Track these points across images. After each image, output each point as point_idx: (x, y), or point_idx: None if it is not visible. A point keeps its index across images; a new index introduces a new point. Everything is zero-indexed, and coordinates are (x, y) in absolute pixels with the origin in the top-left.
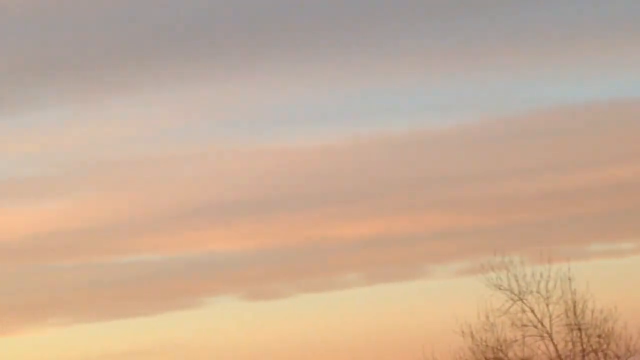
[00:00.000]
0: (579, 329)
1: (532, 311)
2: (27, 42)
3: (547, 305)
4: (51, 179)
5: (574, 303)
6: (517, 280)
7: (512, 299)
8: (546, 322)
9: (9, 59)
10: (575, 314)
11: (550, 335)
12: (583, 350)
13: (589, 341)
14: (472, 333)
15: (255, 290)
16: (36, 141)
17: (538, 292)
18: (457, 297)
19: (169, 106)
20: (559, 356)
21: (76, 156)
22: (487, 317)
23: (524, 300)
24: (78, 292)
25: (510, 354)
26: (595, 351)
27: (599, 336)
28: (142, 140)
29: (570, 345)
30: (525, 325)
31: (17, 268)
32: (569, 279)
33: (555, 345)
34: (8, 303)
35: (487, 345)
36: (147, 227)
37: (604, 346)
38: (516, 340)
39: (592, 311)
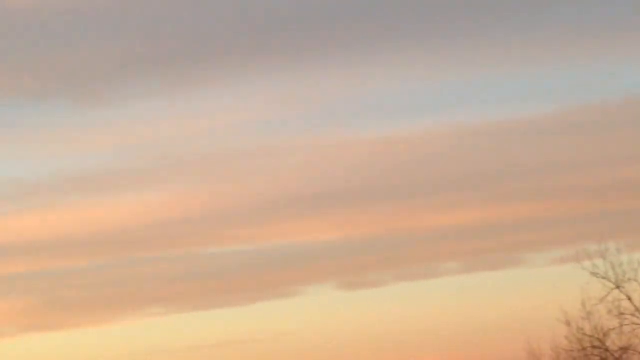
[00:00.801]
0: None
1: (630, 299)
2: (122, 38)
3: None
4: (147, 172)
5: None
6: (614, 268)
7: (609, 287)
8: None
9: (103, 55)
10: None
11: None
12: None
13: None
14: (570, 322)
15: (350, 279)
16: (132, 134)
17: (636, 280)
18: (554, 286)
19: (262, 98)
20: None
21: (171, 149)
22: (585, 305)
23: (622, 289)
24: (174, 283)
25: (609, 343)
26: None
27: None
28: (235, 132)
29: None
30: (623, 314)
31: (114, 260)
32: None
33: None
34: (106, 293)
35: (585, 334)
36: (242, 218)
37: None
38: (614, 329)
39: None
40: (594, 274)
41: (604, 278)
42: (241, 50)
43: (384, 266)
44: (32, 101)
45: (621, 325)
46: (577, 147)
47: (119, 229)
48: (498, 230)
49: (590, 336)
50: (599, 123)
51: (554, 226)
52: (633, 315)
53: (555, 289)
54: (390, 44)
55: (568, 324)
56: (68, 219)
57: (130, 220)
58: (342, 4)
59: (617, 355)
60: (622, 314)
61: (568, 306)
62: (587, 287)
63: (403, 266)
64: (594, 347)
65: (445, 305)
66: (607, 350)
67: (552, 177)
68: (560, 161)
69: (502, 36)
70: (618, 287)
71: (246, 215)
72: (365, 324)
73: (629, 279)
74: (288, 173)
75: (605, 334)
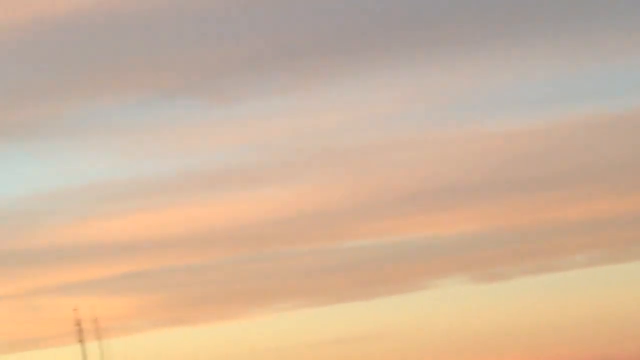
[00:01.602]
0: None
1: None
2: (248, 35)
3: None
4: (276, 167)
5: None
6: None
7: None
8: None
9: (230, 52)
10: None
11: None
12: None
13: None
14: None
15: (480, 272)
16: (262, 130)
17: None
18: None
19: (394, 91)
20: None
21: (299, 143)
22: None
23: None
24: (304, 277)
25: None
26: None
27: None
28: (368, 126)
29: None
30: None
31: (246, 255)
32: None
33: None
34: (237, 288)
35: None
36: (372, 211)
37: None
38: None
39: None
40: None
41: None
42: (372, 43)
43: (514, 259)
44: (159, 99)
45: None
46: None
47: (251, 225)
48: (628, 222)
49: None
50: None
51: None
52: None
53: None
54: (516, 37)
55: None
56: (199, 215)
57: (262, 216)
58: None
59: None
60: None
61: None
62: None
63: (533, 259)
64: None
65: (577, 297)
66: None
67: None
68: None
69: (631, 26)
70: None
71: (377, 209)
72: (493, 316)
73: None
74: (421, 166)
75: None
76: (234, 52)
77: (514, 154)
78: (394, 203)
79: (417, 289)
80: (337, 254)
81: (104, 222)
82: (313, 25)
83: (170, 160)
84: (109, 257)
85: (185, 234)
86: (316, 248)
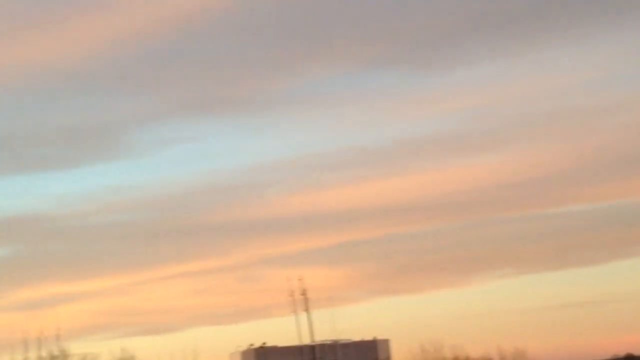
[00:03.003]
0: None
1: None
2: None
3: None
4: (490, 133)
5: None
6: None
7: None
8: None
9: (442, 18)
10: None
11: None
12: None
13: None
14: None
15: None
16: (478, 96)
17: None
18: None
19: (598, 56)
20: None
21: (512, 109)
22: None
23: None
24: (521, 244)
25: None
26: None
27: None
28: (573, 91)
29: None
30: None
31: (463, 222)
32: None
33: None
34: (455, 256)
35: None
36: (586, 176)
37: None
38: None
39: None
40: None
41: None
42: (581, 8)
43: None
44: (369, 70)
45: None
46: None
47: (468, 192)
48: None
49: None
50: None
51: None
52: None
53: None
54: None
55: None
56: (412, 184)
57: (478, 183)
58: None
59: None
60: None
61: None
62: None
63: None
64: None
65: None
66: None
67: None
68: None
69: None
70: None
71: (591, 174)
72: None
73: None
74: (631, 131)
75: None
76: (441, 21)
77: None
78: (607, 168)
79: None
80: (553, 220)
81: (320, 193)
82: None
83: (383, 130)
84: (325, 227)
85: (399, 203)
86: (532, 214)
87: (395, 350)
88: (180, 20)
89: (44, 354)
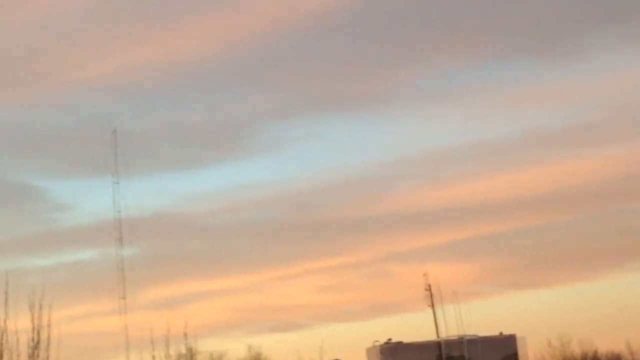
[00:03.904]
0: None
1: None
2: None
3: None
4: (619, 124)
5: None
6: None
7: None
8: None
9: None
10: None
11: None
12: None
13: None
14: None
15: None
16: (602, 87)
17: None
18: None
19: None
20: None
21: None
22: None
23: None
24: None
25: None
26: None
27: None
28: None
29: None
30: None
31: (593, 213)
32: None
33: None
34: (585, 249)
35: None
36: None
37: None
38: None
39: None
40: None
41: None
42: None
43: None
44: (499, 61)
45: None
46: None
47: (598, 183)
48: None
49: None
50: None
51: None
52: None
53: None
54: None
55: None
56: (543, 176)
57: (609, 174)
58: None
59: None
60: None
61: None
62: None
63: None
64: None
65: None
66: None
67: None
68: None
69: None
70: None
71: None
72: None
73: None
74: None
75: None
76: (566, 11)
77: None
78: None
79: None
80: None
81: (449, 187)
82: None
83: (512, 121)
84: (454, 221)
85: (528, 196)
86: None
87: (524, 345)
88: (306, 18)
89: (172, 352)
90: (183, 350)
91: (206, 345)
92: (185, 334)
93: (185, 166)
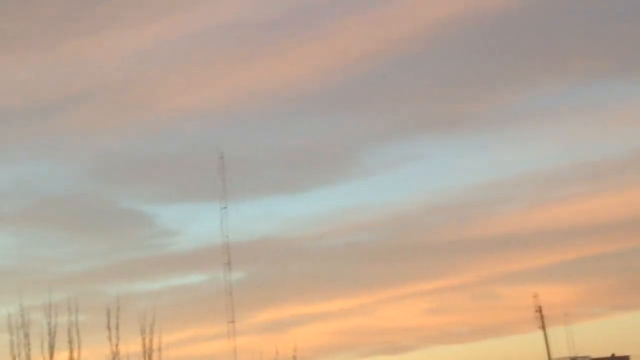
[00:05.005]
0: None
1: None
2: None
3: None
4: None
5: None
6: None
7: None
8: None
9: None
10: None
11: None
12: None
13: None
14: None
15: None
16: None
17: None
18: None
19: None
20: None
21: None
22: None
23: None
24: None
25: None
26: None
27: None
28: None
29: None
30: None
31: None
32: None
33: None
34: None
35: None
36: None
37: None
38: None
39: None
40: None
41: None
42: None
43: None
44: (602, 81)
45: None
46: None
47: None
48: None
49: None
50: None
51: None
52: None
53: None
54: None
55: None
56: None
57: None
58: None
59: None
60: None
61: None
62: None
63: None
64: None
65: None
66: None
67: None
68: None
69: None
70: None
71: None
72: None
73: None
74: None
75: None
76: None
77: None
78: None
79: None
80: None
81: (554, 208)
82: None
83: (619, 141)
84: (561, 243)
85: (637, 216)
86: None
87: None
88: (407, 41)
89: None
90: None
91: None
92: (293, 358)
93: (291, 190)
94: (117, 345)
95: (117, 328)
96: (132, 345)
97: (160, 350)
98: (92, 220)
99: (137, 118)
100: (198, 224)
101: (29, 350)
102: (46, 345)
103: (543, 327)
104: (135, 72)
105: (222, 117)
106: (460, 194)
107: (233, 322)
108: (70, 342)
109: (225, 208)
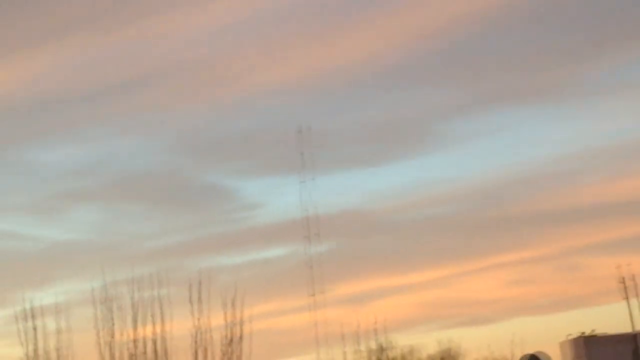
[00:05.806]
0: None
1: None
2: None
3: None
4: None
5: None
6: None
7: None
8: None
9: None
10: None
11: None
12: None
13: None
14: None
15: None
16: None
17: None
18: None
19: None
20: None
21: None
22: None
23: None
24: None
25: None
26: None
27: None
28: None
29: None
30: None
31: None
32: None
33: None
34: None
35: None
36: None
37: None
38: None
39: None
40: None
41: None
42: None
43: None
44: None
45: None
46: None
47: None
48: None
49: None
50: None
51: None
52: None
53: None
54: None
55: None
56: None
57: None
58: None
59: None
60: None
61: None
62: None
63: None
64: None
65: None
66: None
67: None
68: None
69: None
70: None
71: None
72: None
73: None
74: None
75: None
76: None
77: None
78: None
79: None
80: None
81: (637, 178)
82: None
83: None
84: None
85: None
86: None
87: None
88: (482, 13)
89: (362, 348)
90: (373, 346)
91: (396, 341)
92: (375, 330)
93: (370, 164)
94: (199, 319)
95: (200, 302)
96: (214, 319)
97: (242, 323)
98: (175, 195)
99: (217, 95)
100: (279, 197)
101: (113, 324)
102: (130, 319)
103: (627, 298)
104: (216, 50)
105: (301, 92)
106: (539, 165)
107: (314, 295)
108: (153, 316)
109: (303, 182)
